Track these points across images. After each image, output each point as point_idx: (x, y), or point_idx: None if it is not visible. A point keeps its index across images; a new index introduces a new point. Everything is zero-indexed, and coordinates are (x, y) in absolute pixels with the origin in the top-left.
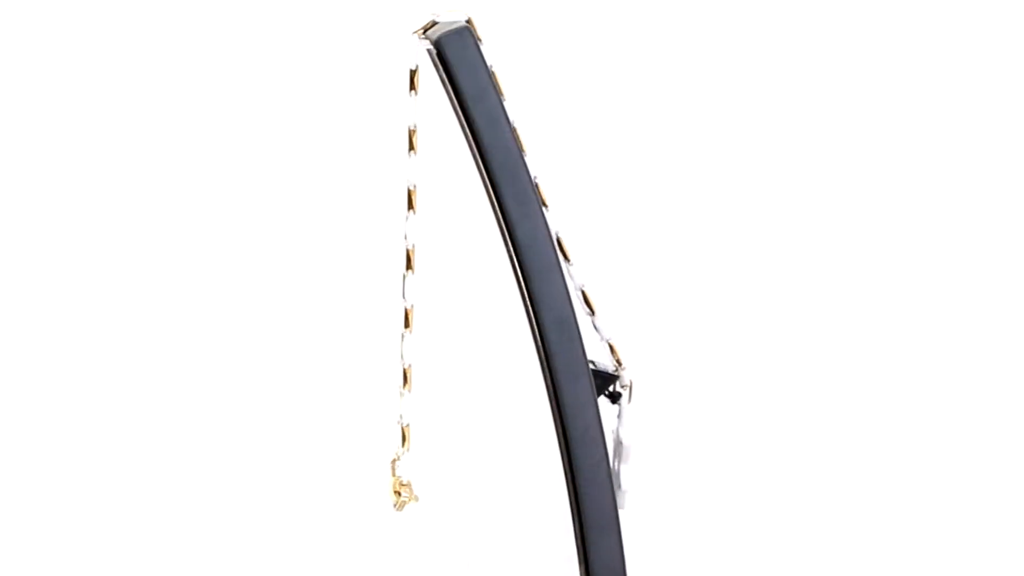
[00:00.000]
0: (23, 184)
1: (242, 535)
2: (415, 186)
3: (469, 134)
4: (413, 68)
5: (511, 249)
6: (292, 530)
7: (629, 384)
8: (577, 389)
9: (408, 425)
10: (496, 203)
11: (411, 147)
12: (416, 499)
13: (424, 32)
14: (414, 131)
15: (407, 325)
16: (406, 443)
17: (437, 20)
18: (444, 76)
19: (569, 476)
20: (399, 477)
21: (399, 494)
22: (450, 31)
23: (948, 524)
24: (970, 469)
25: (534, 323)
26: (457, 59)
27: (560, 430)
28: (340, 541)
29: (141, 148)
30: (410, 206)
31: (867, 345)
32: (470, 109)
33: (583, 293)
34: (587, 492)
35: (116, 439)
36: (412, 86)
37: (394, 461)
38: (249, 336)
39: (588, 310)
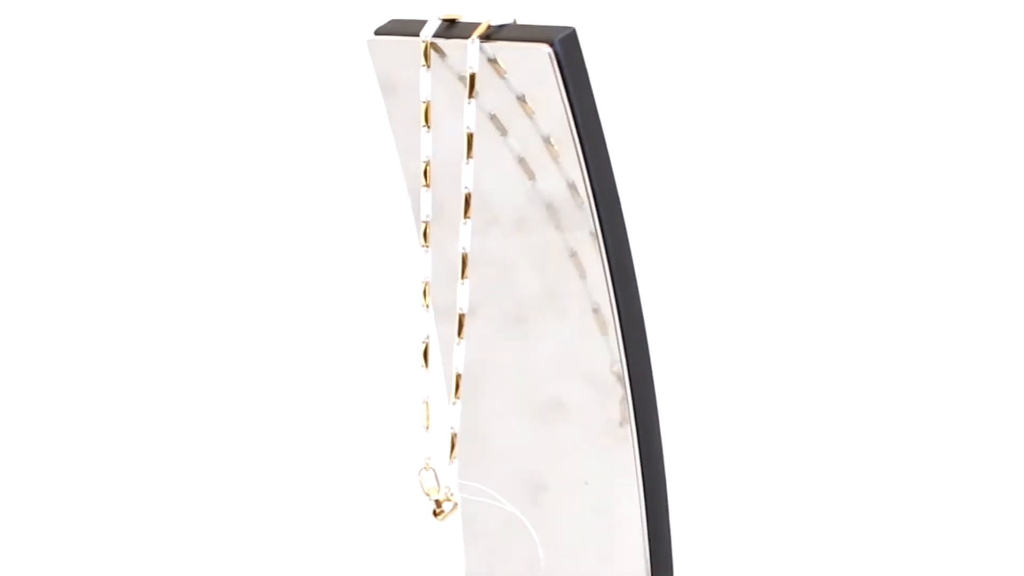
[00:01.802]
0: (19, 186)
1: (272, 542)
2: (470, 191)
3: (577, 139)
4: (473, 72)
5: (603, 252)
6: (324, 539)
7: None
8: (645, 388)
9: (456, 434)
10: (593, 208)
11: (468, 153)
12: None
13: (481, 36)
14: (472, 136)
15: (460, 334)
16: (453, 452)
17: (491, 23)
18: (560, 80)
19: (640, 468)
20: (444, 486)
21: (441, 503)
22: (565, 36)
23: (950, 524)
24: (971, 471)
25: (615, 322)
26: (572, 63)
27: (634, 426)
28: (373, 549)
29: (169, 159)
30: (466, 213)
31: (868, 345)
32: (579, 114)
33: None
34: (650, 479)
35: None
36: (471, 92)
37: (423, 470)
38: (273, 343)
39: None
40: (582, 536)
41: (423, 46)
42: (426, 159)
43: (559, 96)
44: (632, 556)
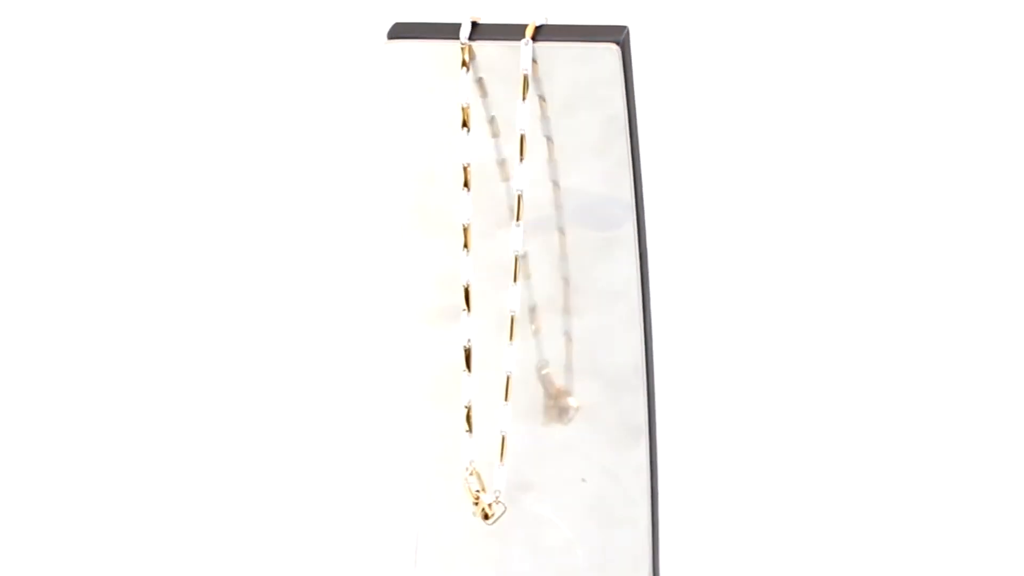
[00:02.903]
0: (20, 185)
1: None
2: (523, 194)
3: (629, 136)
4: (526, 73)
5: (639, 249)
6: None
7: None
8: (652, 383)
9: (505, 436)
10: (636, 205)
11: (521, 155)
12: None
13: (534, 37)
14: (525, 138)
15: (511, 336)
16: (503, 455)
17: (539, 24)
18: (624, 76)
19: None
20: (494, 489)
21: (492, 506)
22: (626, 35)
23: (950, 525)
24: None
25: (642, 320)
26: (628, 62)
27: (647, 416)
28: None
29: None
30: (518, 216)
31: (869, 348)
32: (632, 107)
33: None
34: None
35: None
36: (524, 93)
37: (472, 474)
38: (301, 346)
39: None
40: (576, 536)
41: (463, 49)
42: (467, 162)
43: (621, 94)
44: (632, 555)
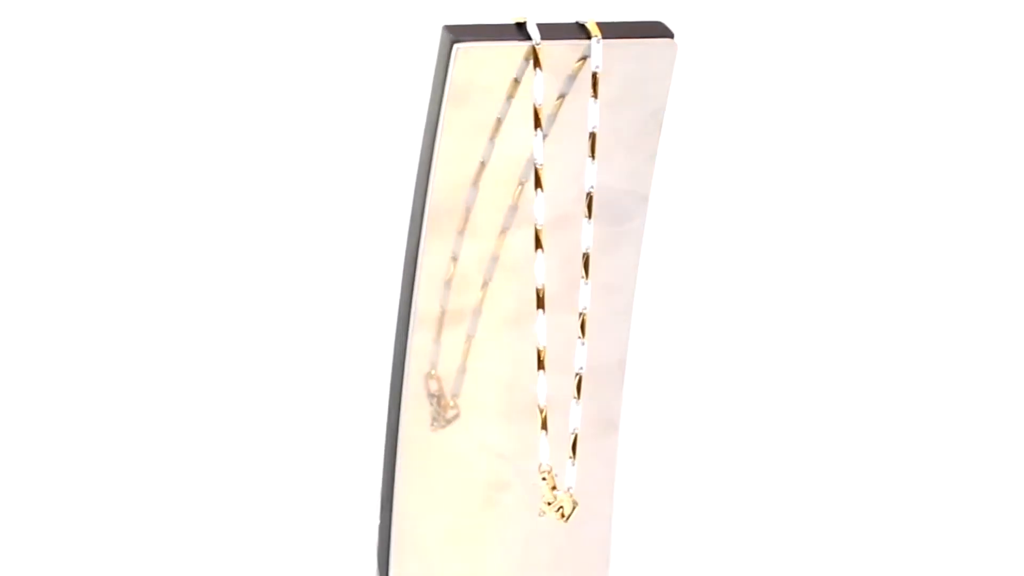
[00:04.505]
0: (28, 185)
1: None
2: (595, 190)
3: (660, 130)
4: (597, 71)
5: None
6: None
7: None
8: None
9: (578, 435)
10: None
11: (592, 153)
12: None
13: (598, 37)
14: (596, 135)
15: (583, 333)
16: (575, 455)
17: (592, 22)
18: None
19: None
20: (567, 488)
21: (571, 504)
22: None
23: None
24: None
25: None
26: None
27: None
28: None
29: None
30: (589, 214)
31: (868, 350)
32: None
33: None
34: None
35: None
36: (595, 92)
37: (549, 473)
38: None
39: None
40: (543, 533)
41: (535, 49)
42: (540, 163)
43: (667, 89)
44: (595, 547)
